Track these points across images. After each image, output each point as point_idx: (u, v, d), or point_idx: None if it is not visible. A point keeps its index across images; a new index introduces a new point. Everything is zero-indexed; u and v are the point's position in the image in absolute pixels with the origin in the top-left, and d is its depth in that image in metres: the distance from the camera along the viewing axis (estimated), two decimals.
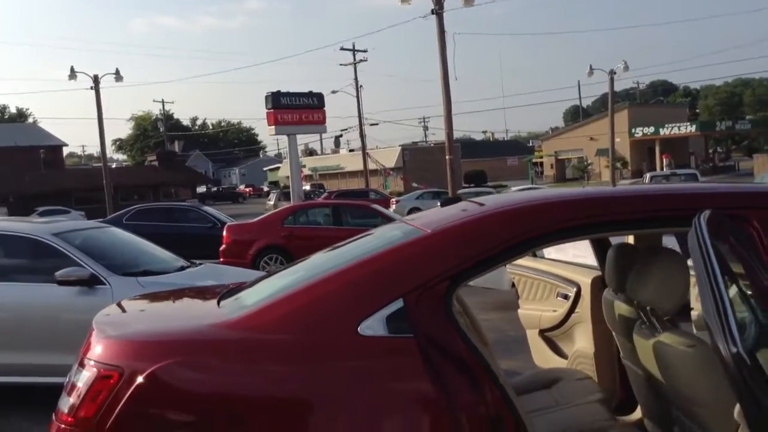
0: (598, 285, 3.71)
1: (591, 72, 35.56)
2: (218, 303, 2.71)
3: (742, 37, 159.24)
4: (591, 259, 3.97)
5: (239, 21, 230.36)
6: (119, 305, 2.95)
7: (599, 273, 3.77)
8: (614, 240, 3.37)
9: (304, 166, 50.92)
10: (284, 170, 75.21)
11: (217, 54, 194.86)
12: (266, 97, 27.82)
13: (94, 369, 2.29)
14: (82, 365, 2.39)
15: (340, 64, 48.71)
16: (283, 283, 2.63)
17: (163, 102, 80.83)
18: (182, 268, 6.59)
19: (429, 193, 37.14)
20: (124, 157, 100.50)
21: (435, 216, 2.67)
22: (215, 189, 75.59)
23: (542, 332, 4.23)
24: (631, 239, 3.43)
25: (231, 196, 72.09)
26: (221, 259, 13.03)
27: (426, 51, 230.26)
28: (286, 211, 15.01)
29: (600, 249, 3.69)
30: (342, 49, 47.42)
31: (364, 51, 48.05)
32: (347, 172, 69.70)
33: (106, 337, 2.39)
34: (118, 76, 31.88)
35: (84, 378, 2.32)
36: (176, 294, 3.41)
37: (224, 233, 14.02)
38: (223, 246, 13.69)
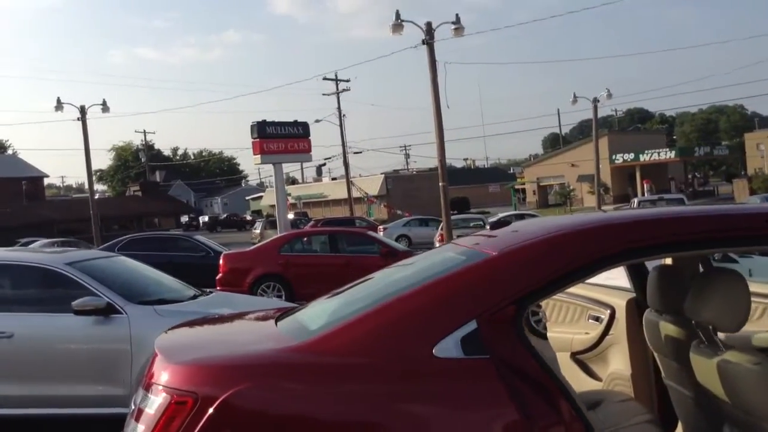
0: (633, 307, 3.75)
1: (575, 100, 36.08)
2: (276, 326, 2.72)
3: (715, 65, 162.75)
4: (622, 281, 4.03)
5: (217, 53, 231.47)
6: (176, 330, 2.94)
7: (633, 295, 3.82)
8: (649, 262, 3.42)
9: (289, 195, 50.81)
10: (267, 199, 75.23)
11: (196, 85, 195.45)
12: (252, 127, 27.80)
13: (166, 395, 2.27)
14: (149, 391, 2.37)
15: (323, 94, 49.04)
16: (345, 306, 2.65)
17: (144, 132, 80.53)
18: (195, 297, 6.56)
19: (416, 220, 37.23)
20: (105, 187, 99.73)
21: (496, 238, 2.70)
22: (225, 216, 76.16)
23: (574, 355, 4.25)
24: (669, 261, 3.48)
25: (237, 224, 71.69)
26: (218, 288, 12.95)
27: (406, 79, 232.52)
28: (282, 240, 14.99)
29: (635, 271, 3.74)
30: (325, 78, 47.73)
31: (347, 81, 48.42)
32: (330, 200, 69.77)
33: (178, 362, 2.37)
34: (105, 107, 31.74)
35: (155, 404, 2.30)
36: (228, 319, 3.40)
37: (221, 262, 13.96)
38: (220, 274, 13.63)
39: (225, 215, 77.03)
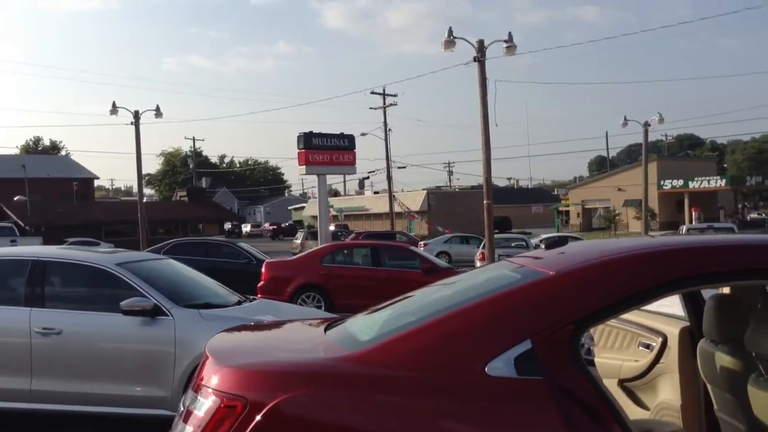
0: (687, 336, 3.66)
1: (625, 123, 35.53)
2: (326, 335, 2.72)
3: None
4: (674, 309, 3.93)
5: (269, 63, 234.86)
6: (227, 334, 2.96)
7: (687, 323, 3.72)
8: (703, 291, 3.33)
9: (332, 206, 51.15)
10: (309, 210, 75.82)
11: (246, 94, 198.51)
12: (298, 138, 28.11)
13: (216, 398, 2.29)
14: (199, 393, 2.39)
15: (370, 108, 49.29)
16: (397, 319, 2.64)
17: (194, 139, 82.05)
18: (239, 303, 6.62)
19: (456, 237, 37.08)
20: (152, 192, 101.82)
21: (550, 258, 2.66)
22: (287, 224, 76.29)
23: (621, 382, 4.16)
24: (726, 290, 3.39)
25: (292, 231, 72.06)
26: (259, 295, 13.05)
27: (452, 96, 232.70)
28: (325, 250, 15.05)
29: (691, 299, 3.65)
30: (372, 93, 47.96)
31: (394, 95, 48.62)
32: (372, 213, 69.92)
33: (229, 366, 2.38)
34: (158, 112, 32.34)
35: (204, 406, 2.32)
36: (278, 325, 3.42)
37: (263, 270, 14.08)
38: (262, 282, 13.74)
39: (287, 223, 77.20)
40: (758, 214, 67.28)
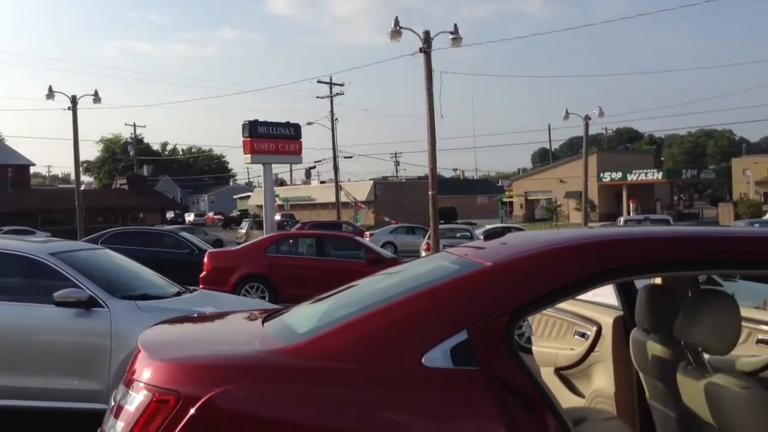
0: (620, 325, 3.75)
1: (567, 116, 36.22)
2: (263, 328, 2.68)
3: (707, 90, 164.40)
4: (609, 299, 4.02)
5: (212, 50, 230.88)
6: (161, 326, 2.90)
7: (621, 313, 3.81)
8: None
9: (278, 196, 50.70)
10: (254, 199, 75.01)
11: (189, 81, 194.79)
12: (243, 125, 27.79)
13: (148, 392, 2.23)
14: (131, 387, 2.33)
15: (317, 97, 48.98)
16: (335, 310, 2.62)
17: (134, 125, 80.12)
18: (179, 294, 6.50)
19: (402, 228, 37.25)
20: (91, 179, 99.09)
21: (490, 249, 2.68)
22: (237, 213, 74.27)
23: (558, 370, 4.24)
24: (658, 280, 3.48)
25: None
26: (201, 286, 12.86)
27: (399, 87, 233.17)
28: (269, 240, 14.92)
29: (624, 289, 3.73)
30: (319, 81, 47.71)
31: (341, 84, 48.43)
32: (318, 203, 69.69)
33: (161, 359, 2.33)
34: (96, 97, 31.49)
35: (136, 401, 2.26)
36: (214, 318, 3.36)
37: (206, 259, 13.88)
38: (204, 272, 13.55)
39: (237, 212, 75.90)
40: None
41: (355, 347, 2.23)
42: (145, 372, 2.30)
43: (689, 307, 2.65)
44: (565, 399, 4.16)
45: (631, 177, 60.23)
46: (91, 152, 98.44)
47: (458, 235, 30.08)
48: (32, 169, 75.98)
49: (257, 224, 37.58)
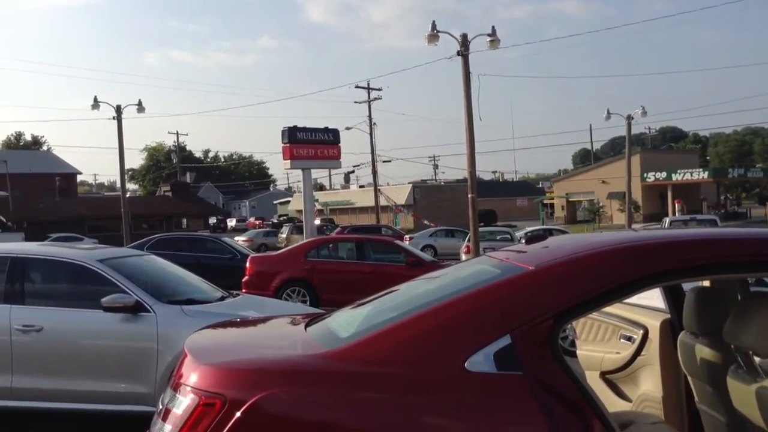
0: (668, 328, 3.68)
1: (608, 116, 35.71)
2: (306, 332, 2.70)
3: (752, 87, 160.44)
4: (655, 302, 3.95)
5: (252, 58, 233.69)
6: (206, 331, 2.94)
7: (668, 316, 3.74)
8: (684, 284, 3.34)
9: (317, 201, 51.05)
10: (294, 204, 75.66)
11: (230, 89, 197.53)
12: (282, 132, 27.98)
13: (195, 396, 2.27)
14: (178, 391, 2.37)
15: (355, 102, 49.21)
16: (377, 315, 2.63)
17: (177, 134, 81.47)
18: (222, 298, 6.58)
19: (442, 231, 37.12)
20: (136, 186, 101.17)
21: (532, 252, 2.66)
22: (283, 218, 74.96)
23: (603, 374, 4.18)
24: (706, 283, 3.40)
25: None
26: (243, 291, 13.01)
27: (437, 90, 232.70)
28: (310, 245, 15.01)
29: (671, 292, 3.66)
30: (357, 87, 47.91)
31: (379, 89, 48.56)
32: (357, 207, 69.92)
33: (207, 363, 2.36)
34: (140, 107, 32.18)
35: (183, 405, 2.30)
36: (258, 322, 3.40)
37: (247, 264, 14.03)
38: (246, 277, 13.69)
39: (283, 218, 76.39)
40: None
41: (397, 352, 2.23)
42: (192, 376, 2.34)
43: (739, 310, 2.59)
44: (612, 403, 4.10)
45: (676, 177, 59.03)
46: (135, 160, 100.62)
47: (498, 237, 29.86)
48: (79, 178, 78.04)
49: (297, 229, 37.85)
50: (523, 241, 3.21)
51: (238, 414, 2.15)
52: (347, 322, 2.67)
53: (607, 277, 2.26)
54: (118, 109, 32.80)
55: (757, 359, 2.67)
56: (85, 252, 6.45)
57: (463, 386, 2.15)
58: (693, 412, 3.43)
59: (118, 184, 41.51)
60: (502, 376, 2.15)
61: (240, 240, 38.06)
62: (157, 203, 61.97)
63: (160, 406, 2.50)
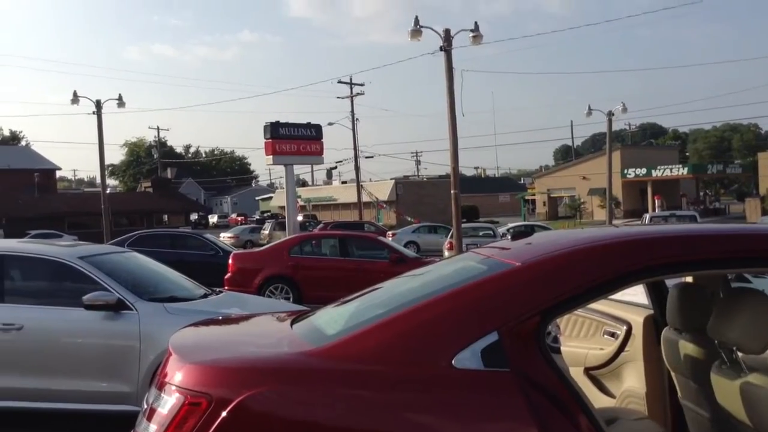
0: (651, 324, 3.70)
1: (590, 112, 35.94)
2: (292, 329, 2.68)
3: (731, 83, 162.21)
4: (639, 298, 3.97)
5: (233, 52, 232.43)
6: (191, 329, 2.91)
7: (651, 312, 3.77)
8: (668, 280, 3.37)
9: (299, 197, 50.90)
10: (277, 200, 75.40)
11: (211, 84, 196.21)
12: (265, 127, 27.86)
13: (180, 395, 2.24)
14: (163, 390, 2.34)
15: (338, 97, 49.11)
16: (363, 312, 2.62)
17: (158, 129, 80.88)
18: (205, 296, 6.54)
19: (425, 227, 37.19)
20: (116, 182, 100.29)
21: (517, 249, 2.66)
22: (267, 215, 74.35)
23: (587, 370, 4.20)
24: (689, 279, 3.43)
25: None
26: (226, 288, 12.94)
27: (420, 86, 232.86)
28: (293, 241, 14.97)
29: (655, 288, 3.69)
30: (339, 82, 47.84)
31: (361, 85, 48.49)
32: (340, 203, 69.85)
33: (193, 362, 2.34)
34: (120, 101, 31.85)
35: (168, 404, 2.27)
36: (243, 319, 3.37)
37: (230, 261, 13.96)
38: (229, 274, 13.62)
39: (266, 214, 75.74)
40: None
41: (384, 349, 2.22)
42: (177, 375, 2.31)
43: (723, 305, 2.61)
44: (595, 399, 4.12)
45: (656, 173, 59.58)
46: (115, 156, 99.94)
47: (481, 233, 29.96)
48: (58, 174, 77.07)
49: (280, 225, 37.73)
50: (509, 236, 3.21)
51: (224, 413, 2.13)
52: (333, 320, 2.66)
53: (594, 273, 2.27)
54: (98, 104, 32.44)
55: (740, 354, 2.70)
56: (65, 249, 6.37)
57: (450, 383, 2.15)
58: (676, 408, 3.46)
59: (98, 180, 41.15)
60: (490, 372, 2.15)
61: (225, 237, 37.88)
62: (138, 199, 61.46)
63: (145, 406, 2.47)
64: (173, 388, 2.28)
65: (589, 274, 2.27)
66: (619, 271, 2.27)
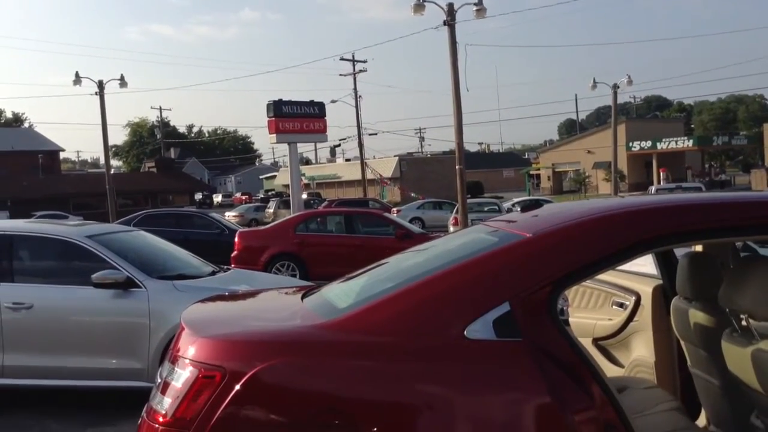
0: (660, 294, 3.71)
1: (595, 85, 35.63)
2: (303, 303, 2.70)
3: (736, 54, 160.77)
4: (647, 268, 3.98)
5: (234, 31, 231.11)
6: (202, 304, 2.93)
7: (660, 282, 3.77)
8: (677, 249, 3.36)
9: (303, 175, 50.89)
10: (281, 179, 75.38)
11: (212, 63, 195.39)
12: (268, 105, 27.76)
13: (194, 368, 2.25)
14: (176, 364, 2.36)
15: (340, 74, 48.82)
16: (374, 285, 2.62)
17: (161, 109, 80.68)
18: (213, 273, 6.56)
19: (430, 203, 37.15)
20: (120, 163, 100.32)
21: (526, 220, 2.66)
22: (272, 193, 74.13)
23: (596, 341, 4.22)
24: (699, 248, 3.43)
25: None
26: (232, 265, 12.99)
27: (423, 62, 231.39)
28: (298, 219, 14.98)
29: (664, 258, 3.69)
30: (342, 59, 47.52)
31: (364, 61, 48.17)
32: (344, 181, 69.78)
33: (206, 336, 2.35)
34: (122, 82, 31.72)
35: (182, 378, 2.29)
36: (254, 294, 3.39)
37: (236, 239, 14.00)
38: (235, 252, 13.67)
39: (271, 192, 75.48)
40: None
41: (397, 321, 2.23)
42: (191, 349, 2.32)
43: (733, 274, 2.61)
44: (605, 369, 4.13)
45: (661, 145, 59.31)
46: (118, 137, 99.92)
47: (486, 209, 29.95)
48: (62, 155, 77.09)
49: (284, 203, 37.75)
50: (518, 209, 3.20)
51: (238, 386, 2.14)
52: (344, 293, 2.67)
53: (605, 243, 2.26)
54: (100, 85, 32.32)
55: (752, 322, 2.70)
56: (73, 228, 6.39)
57: (463, 354, 2.15)
58: (685, 376, 3.47)
59: (102, 161, 41.18)
60: (502, 342, 2.16)
61: (230, 215, 37.90)
62: (142, 180, 61.51)
63: (159, 380, 2.49)
64: (187, 361, 2.29)
65: (600, 244, 2.27)
66: (633, 239, 2.27)
